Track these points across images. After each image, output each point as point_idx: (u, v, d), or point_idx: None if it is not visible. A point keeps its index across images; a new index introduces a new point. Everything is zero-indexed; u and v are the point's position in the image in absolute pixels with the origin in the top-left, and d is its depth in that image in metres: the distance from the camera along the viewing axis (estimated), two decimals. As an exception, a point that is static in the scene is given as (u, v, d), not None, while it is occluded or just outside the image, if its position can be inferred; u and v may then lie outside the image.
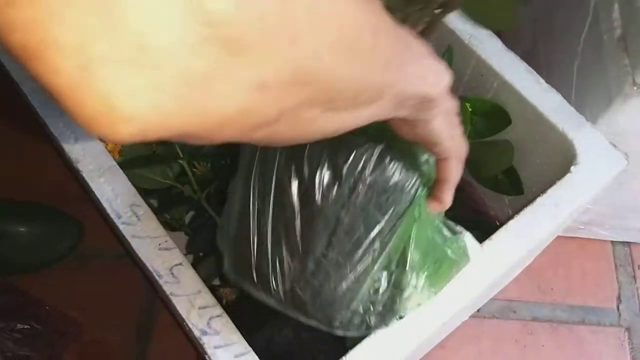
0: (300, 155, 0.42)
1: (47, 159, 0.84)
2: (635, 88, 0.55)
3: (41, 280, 0.82)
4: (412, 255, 0.43)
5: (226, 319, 0.48)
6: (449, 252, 0.45)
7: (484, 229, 0.54)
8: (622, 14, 0.57)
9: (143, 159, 0.63)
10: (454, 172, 0.39)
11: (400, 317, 0.46)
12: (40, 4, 0.17)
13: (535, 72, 0.57)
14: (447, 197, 0.41)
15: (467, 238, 0.47)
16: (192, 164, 0.67)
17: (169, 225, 0.73)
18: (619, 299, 0.84)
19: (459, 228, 0.47)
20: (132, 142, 0.20)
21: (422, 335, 0.47)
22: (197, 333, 0.47)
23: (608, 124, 0.60)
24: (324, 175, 0.41)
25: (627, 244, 0.87)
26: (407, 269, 0.43)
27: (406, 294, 0.44)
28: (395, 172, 0.42)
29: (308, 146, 0.41)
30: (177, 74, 0.18)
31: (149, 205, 0.70)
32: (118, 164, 0.60)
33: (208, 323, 0.48)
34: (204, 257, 0.72)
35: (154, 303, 0.82)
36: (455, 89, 0.63)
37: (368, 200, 0.42)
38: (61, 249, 0.83)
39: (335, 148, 0.41)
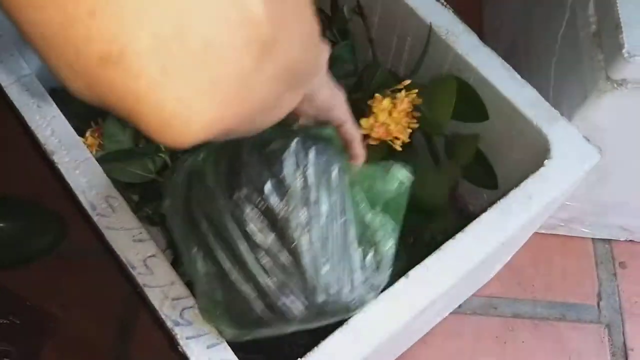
0: (242, 188, 0.44)
1: (30, 154, 0.83)
2: (609, 83, 0.55)
3: (22, 275, 0.82)
4: (368, 213, 0.47)
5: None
6: (392, 184, 0.49)
7: (460, 218, 0.55)
8: (597, 10, 0.57)
9: (124, 153, 0.63)
10: (354, 131, 0.46)
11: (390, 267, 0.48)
12: (122, 14, 0.18)
13: (510, 68, 0.57)
14: (361, 152, 0.47)
15: (397, 166, 0.50)
16: (175, 157, 0.67)
17: (151, 220, 0.73)
18: (599, 296, 0.85)
19: (386, 163, 0.50)
20: (190, 144, 0.22)
21: (395, 324, 0.48)
22: (169, 324, 0.47)
23: (584, 119, 0.60)
24: (271, 190, 0.44)
25: (608, 241, 0.88)
26: (372, 224, 0.47)
27: (381, 242, 0.47)
28: (319, 154, 0.45)
29: (243, 178, 0.44)
30: (235, 72, 0.21)
31: (131, 199, 0.71)
32: (100, 157, 0.60)
33: (181, 314, 0.48)
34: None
35: (135, 299, 0.81)
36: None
37: (316, 188, 0.44)
38: (43, 245, 0.83)
39: (264, 164, 0.44)
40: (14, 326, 0.73)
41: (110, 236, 0.50)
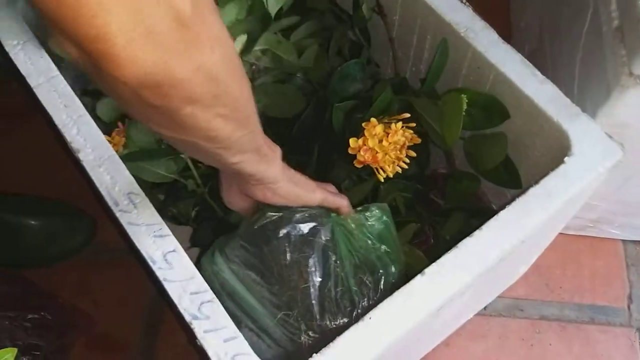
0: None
1: (61, 156, 0.86)
2: (632, 79, 0.54)
3: (54, 273, 0.84)
4: (363, 245, 0.57)
5: (217, 304, 0.49)
6: (376, 220, 0.58)
7: (484, 217, 0.55)
8: (620, 5, 0.56)
9: (147, 152, 0.65)
10: (336, 201, 0.56)
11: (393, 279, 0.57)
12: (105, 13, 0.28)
13: (530, 64, 0.56)
14: (349, 211, 0.57)
15: (373, 206, 0.59)
16: (195, 160, 0.68)
17: (176, 220, 0.74)
18: (629, 298, 0.83)
19: (365, 205, 0.59)
20: (135, 84, 0.32)
21: (410, 321, 0.48)
22: (188, 318, 0.48)
23: (608, 115, 0.59)
24: (264, 245, 0.54)
25: (639, 242, 0.86)
26: (368, 255, 0.56)
27: (378, 266, 0.56)
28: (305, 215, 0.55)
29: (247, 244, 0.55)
30: (166, 45, 0.31)
31: (156, 199, 0.72)
32: (124, 156, 0.62)
33: (199, 308, 0.49)
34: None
35: (162, 297, 0.83)
36: (454, 82, 0.63)
37: (307, 240, 0.54)
38: (74, 244, 0.85)
39: (262, 230, 0.55)
40: (46, 322, 0.76)
41: (132, 231, 0.52)
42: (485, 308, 0.82)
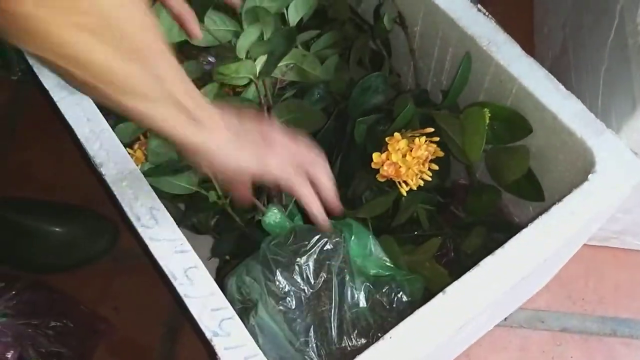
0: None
1: (84, 165, 0.87)
2: (658, 94, 0.53)
3: (76, 279, 0.85)
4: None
5: (237, 321, 0.49)
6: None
7: (505, 231, 0.55)
8: (646, 18, 0.55)
9: (169, 166, 0.65)
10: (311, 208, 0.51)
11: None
12: None
13: (554, 78, 0.56)
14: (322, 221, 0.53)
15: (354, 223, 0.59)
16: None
17: (196, 229, 0.75)
18: (654, 311, 0.82)
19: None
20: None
21: (431, 341, 0.47)
22: (208, 334, 0.48)
23: (633, 130, 0.58)
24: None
25: (664, 254, 0.84)
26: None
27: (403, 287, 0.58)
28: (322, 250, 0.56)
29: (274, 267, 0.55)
30: None
31: (177, 208, 0.73)
32: (145, 171, 0.62)
33: (219, 325, 0.49)
34: (230, 261, 0.73)
35: (183, 313, 0.83)
36: (476, 95, 0.63)
37: (326, 266, 0.55)
38: (96, 250, 0.86)
39: (275, 263, 0.55)
40: (68, 329, 0.76)
41: (154, 247, 0.52)
42: (506, 319, 0.81)
